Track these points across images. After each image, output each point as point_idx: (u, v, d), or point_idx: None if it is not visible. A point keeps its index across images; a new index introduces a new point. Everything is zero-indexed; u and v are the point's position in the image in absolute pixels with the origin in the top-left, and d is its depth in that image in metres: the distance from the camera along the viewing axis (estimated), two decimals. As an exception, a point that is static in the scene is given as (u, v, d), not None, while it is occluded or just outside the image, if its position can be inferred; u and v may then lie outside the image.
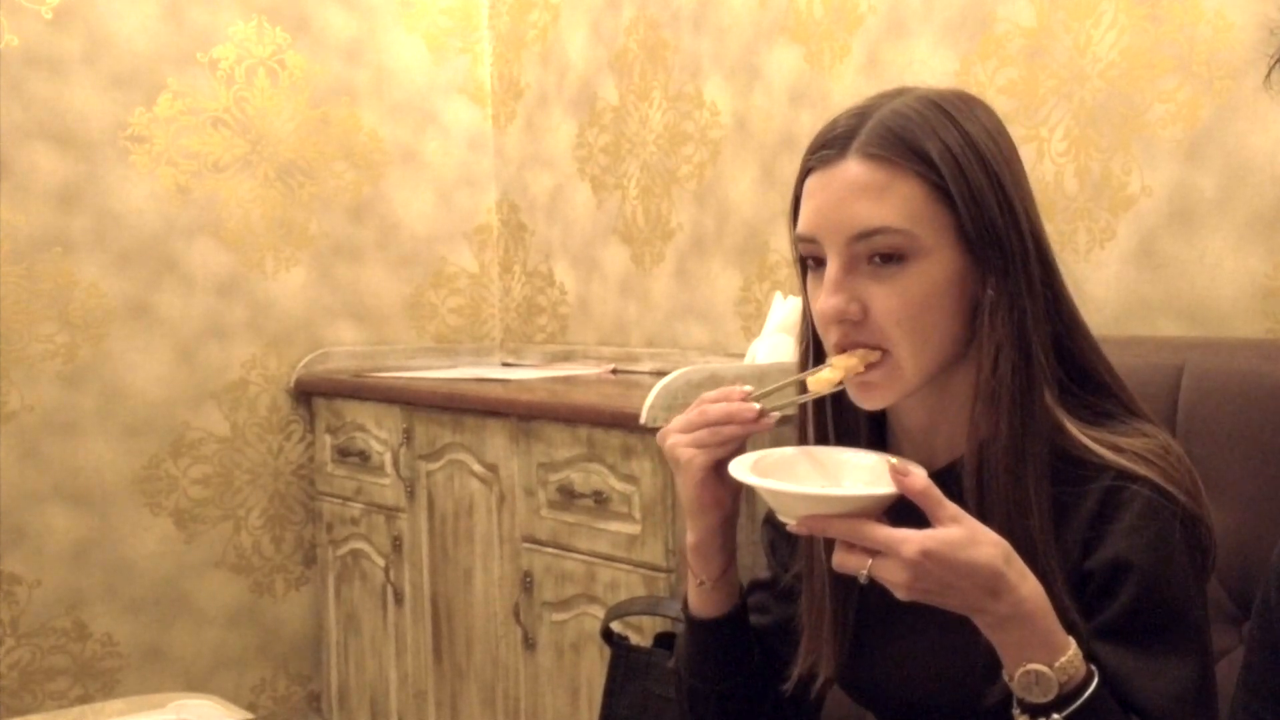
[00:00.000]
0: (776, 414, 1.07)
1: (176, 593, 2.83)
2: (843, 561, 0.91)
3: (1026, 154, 1.95)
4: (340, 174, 3.02)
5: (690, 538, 1.12)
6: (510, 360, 3.20)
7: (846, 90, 2.26)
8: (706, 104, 2.59)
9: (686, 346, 2.69)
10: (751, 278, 2.52)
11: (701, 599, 1.15)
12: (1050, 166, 1.95)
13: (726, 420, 1.05)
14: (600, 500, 2.10)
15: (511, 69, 3.14)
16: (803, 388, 1.06)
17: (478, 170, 3.21)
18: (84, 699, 2.72)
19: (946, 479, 1.00)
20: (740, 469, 0.98)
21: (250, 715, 1.52)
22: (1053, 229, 1.93)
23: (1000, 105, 2.00)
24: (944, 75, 2.08)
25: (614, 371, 2.82)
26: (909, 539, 0.87)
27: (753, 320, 2.51)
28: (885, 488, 0.92)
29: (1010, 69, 2.00)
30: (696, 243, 2.65)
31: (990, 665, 0.94)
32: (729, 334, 2.58)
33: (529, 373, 2.85)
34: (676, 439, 1.07)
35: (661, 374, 2.08)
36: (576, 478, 2.16)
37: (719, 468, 1.06)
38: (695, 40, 2.61)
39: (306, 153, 2.97)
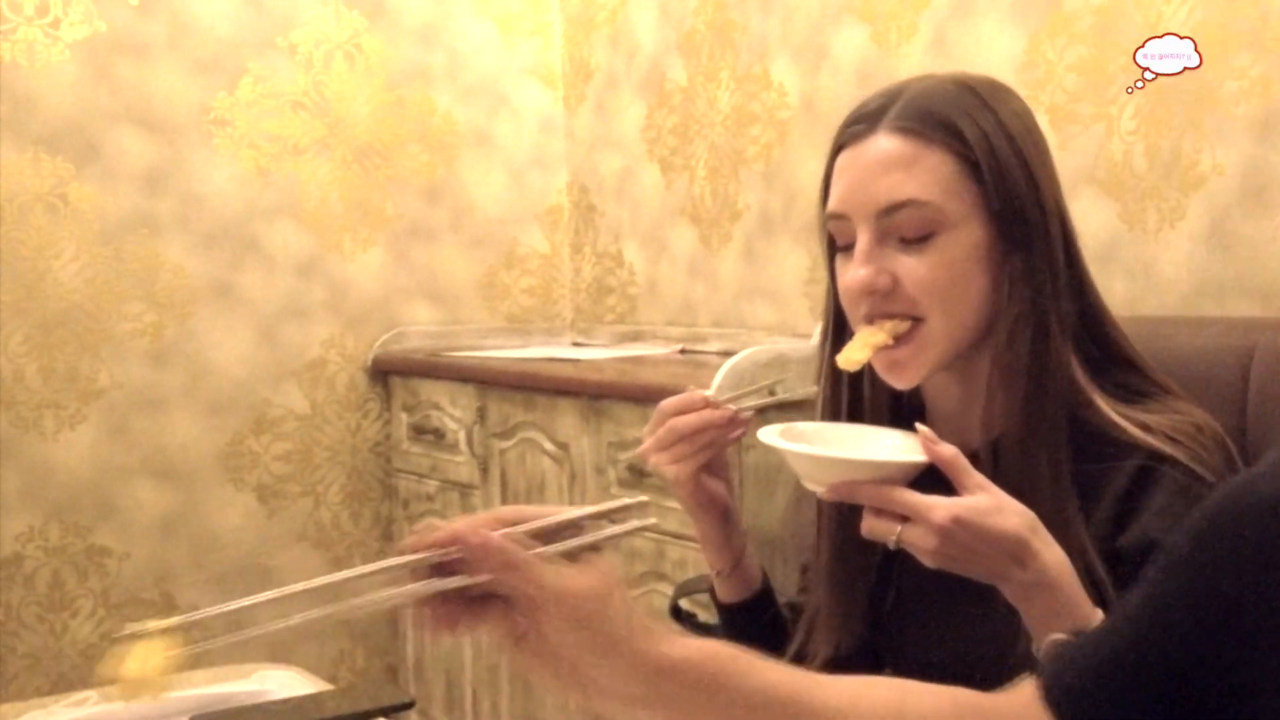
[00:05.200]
0: (749, 413, 1.11)
1: (259, 566, 2.92)
2: (872, 527, 0.92)
3: (1095, 133, 1.94)
4: (415, 156, 3.07)
5: (696, 534, 1.18)
6: (580, 340, 3.24)
7: (913, 70, 2.24)
8: (774, 85, 2.59)
9: (754, 327, 2.70)
10: (819, 258, 2.52)
11: (722, 586, 1.20)
12: (1119, 145, 1.93)
13: (702, 429, 1.09)
14: (668, 478, 2.12)
15: (581, 51, 3.17)
16: (828, 371, 1.09)
17: (549, 152, 3.24)
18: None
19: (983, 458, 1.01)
20: (770, 435, 1.00)
21: (330, 686, 1.56)
22: (1121, 208, 1.92)
23: (1069, 83, 1.99)
24: (1012, 54, 2.07)
25: (682, 352, 2.84)
26: (939, 505, 0.88)
27: (819, 301, 2.50)
28: (915, 455, 0.93)
29: (1079, 46, 1.98)
30: (764, 223, 2.66)
31: (1013, 650, 0.95)
32: (796, 314, 2.59)
33: (599, 353, 2.88)
34: (658, 458, 1.11)
35: (729, 354, 2.10)
36: (645, 456, 2.18)
37: (707, 469, 1.12)
38: (763, 21, 2.61)
39: (382, 135, 3.02)
